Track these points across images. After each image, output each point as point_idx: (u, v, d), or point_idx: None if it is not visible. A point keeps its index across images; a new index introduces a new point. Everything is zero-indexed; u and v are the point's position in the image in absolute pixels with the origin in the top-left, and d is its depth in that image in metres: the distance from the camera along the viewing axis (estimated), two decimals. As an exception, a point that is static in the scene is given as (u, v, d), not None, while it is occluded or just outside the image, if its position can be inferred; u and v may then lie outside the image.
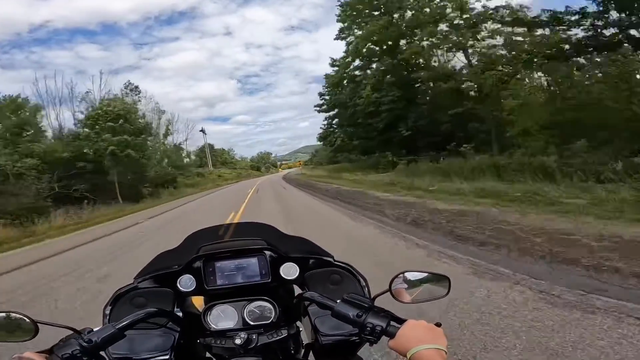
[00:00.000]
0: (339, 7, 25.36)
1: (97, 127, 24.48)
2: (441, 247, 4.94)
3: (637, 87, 11.29)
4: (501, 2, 16.31)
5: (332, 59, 28.02)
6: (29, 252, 9.02)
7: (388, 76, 23.47)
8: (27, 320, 0.74)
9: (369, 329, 0.72)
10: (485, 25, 17.26)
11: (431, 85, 21.48)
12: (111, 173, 23.83)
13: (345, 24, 25.66)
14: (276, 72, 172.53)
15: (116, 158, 23.66)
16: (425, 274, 0.84)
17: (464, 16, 18.97)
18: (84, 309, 3.92)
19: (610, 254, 3.56)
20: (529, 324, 2.54)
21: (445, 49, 19.68)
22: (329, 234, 6.68)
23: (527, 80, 17.05)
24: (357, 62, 26.57)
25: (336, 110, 30.05)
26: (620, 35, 11.87)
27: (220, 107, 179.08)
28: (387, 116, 22.79)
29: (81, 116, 27.38)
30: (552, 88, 15.70)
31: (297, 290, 1.00)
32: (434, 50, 20.54)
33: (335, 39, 26.45)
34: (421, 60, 22.05)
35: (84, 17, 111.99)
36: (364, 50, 24.72)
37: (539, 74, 16.00)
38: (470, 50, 18.82)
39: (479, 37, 17.81)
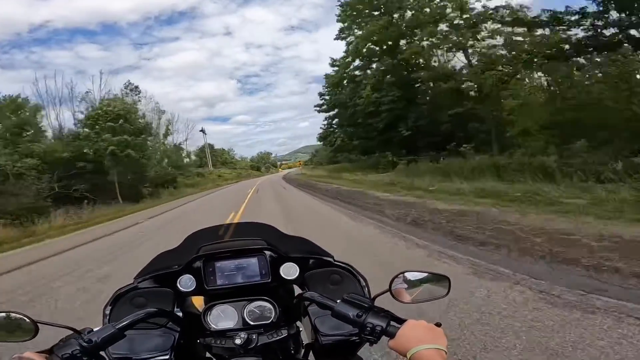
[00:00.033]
0: (339, 7, 25.44)
1: (97, 127, 24.49)
2: (441, 247, 4.93)
3: (637, 87, 11.29)
4: (501, 2, 16.36)
5: (332, 59, 28.12)
6: (29, 252, 9.01)
7: (388, 76, 23.47)
8: (27, 320, 0.74)
9: (369, 329, 0.72)
10: (485, 25, 17.26)
11: (431, 85, 21.50)
12: (111, 173, 23.84)
13: (345, 24, 25.67)
14: (276, 72, 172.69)
15: (116, 158, 23.67)
16: (425, 274, 0.84)
17: (464, 16, 18.97)
18: (84, 309, 3.92)
19: (610, 254, 3.56)
20: (529, 324, 2.54)
21: (445, 49, 19.68)
22: (329, 234, 6.68)
23: (527, 80, 17.06)
24: (357, 62, 26.62)
25: (336, 110, 30.06)
26: (620, 35, 11.88)
27: (220, 107, 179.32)
28: (387, 116, 22.79)
29: (81, 116, 27.49)
30: (552, 88, 15.72)
31: (297, 290, 1.00)
32: (434, 50, 20.54)
33: (335, 39, 26.54)
34: (421, 60, 22.06)
35: (83, 17, 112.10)
36: (364, 50, 24.73)
37: (539, 74, 16.03)
38: (470, 50, 18.83)
39: (479, 37, 17.81)
